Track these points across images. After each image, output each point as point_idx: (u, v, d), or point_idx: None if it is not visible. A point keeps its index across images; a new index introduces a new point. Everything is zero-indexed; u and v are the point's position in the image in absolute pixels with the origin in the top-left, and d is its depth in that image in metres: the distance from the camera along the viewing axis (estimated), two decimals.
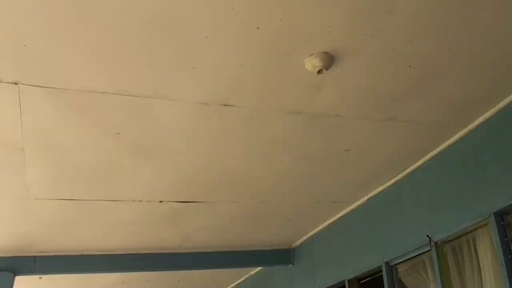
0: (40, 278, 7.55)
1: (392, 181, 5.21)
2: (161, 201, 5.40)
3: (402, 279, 5.08)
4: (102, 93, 3.47)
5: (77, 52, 3.08)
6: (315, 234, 6.79)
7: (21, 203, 5.14)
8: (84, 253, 6.77)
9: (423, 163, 4.80)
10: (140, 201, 5.36)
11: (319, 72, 3.27)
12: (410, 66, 3.42)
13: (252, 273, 8.96)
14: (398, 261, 5.07)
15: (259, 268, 8.62)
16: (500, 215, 3.91)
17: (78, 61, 3.16)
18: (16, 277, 6.38)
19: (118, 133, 4.01)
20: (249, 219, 6.22)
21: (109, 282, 8.88)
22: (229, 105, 3.72)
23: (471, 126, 4.28)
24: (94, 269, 7.05)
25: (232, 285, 9.93)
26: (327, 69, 3.26)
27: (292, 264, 7.36)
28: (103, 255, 6.85)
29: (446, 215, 4.45)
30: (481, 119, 4.17)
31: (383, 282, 5.17)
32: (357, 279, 5.84)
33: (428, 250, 4.62)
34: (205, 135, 4.14)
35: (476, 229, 4.21)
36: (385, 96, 3.77)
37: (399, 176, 5.11)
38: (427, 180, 4.75)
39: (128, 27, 2.89)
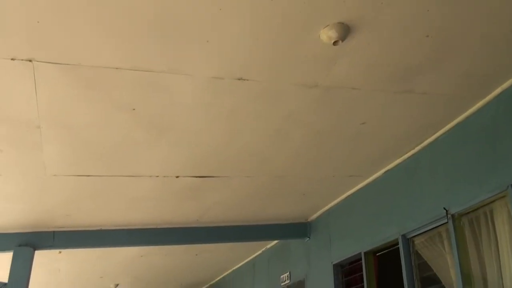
0: (60, 252, 7.70)
1: (409, 154, 5.16)
2: (177, 176, 5.42)
3: (418, 251, 5.08)
4: (116, 68, 3.46)
5: (90, 28, 3.07)
6: (331, 208, 6.79)
7: (39, 180, 5.20)
8: (103, 228, 6.87)
9: (440, 136, 4.75)
10: (157, 176, 5.39)
11: (334, 43, 3.22)
12: (427, 36, 3.35)
13: (268, 246, 9.03)
14: (414, 234, 5.06)
15: (275, 242, 8.68)
16: None
17: (91, 37, 3.15)
18: (36, 251, 6.51)
19: (133, 109, 4.02)
20: (265, 193, 6.23)
21: (128, 256, 9.03)
22: (243, 79, 3.69)
23: (489, 97, 4.20)
24: (112, 243, 7.16)
25: (249, 258, 10.03)
26: (343, 40, 3.21)
27: (308, 237, 7.40)
28: (121, 230, 6.95)
29: (463, 188, 4.41)
30: (499, 90, 4.09)
31: (399, 255, 5.17)
32: (374, 252, 5.85)
33: (445, 223, 4.60)
34: (220, 110, 4.12)
35: (493, 201, 4.17)
36: (401, 68, 3.71)
37: (416, 149, 5.06)
38: (444, 153, 4.70)
39: (140, 2, 2.86)
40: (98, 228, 6.87)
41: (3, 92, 3.68)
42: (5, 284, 6.45)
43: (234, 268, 10.98)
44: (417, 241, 5.10)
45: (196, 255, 9.54)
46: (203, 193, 6.00)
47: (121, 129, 4.34)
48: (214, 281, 12.49)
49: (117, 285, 11.40)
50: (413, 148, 5.09)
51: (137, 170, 5.23)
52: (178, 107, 4.04)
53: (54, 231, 6.68)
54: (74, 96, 3.78)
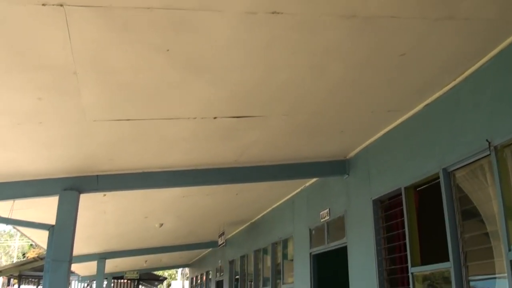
0: (105, 195, 7.95)
1: (450, 85, 5.01)
2: (215, 117, 5.43)
3: (459, 185, 5.02)
4: (148, 8, 3.40)
5: None
6: (370, 144, 6.74)
7: (80, 125, 5.30)
8: (145, 170, 7.02)
9: (483, 64, 4.56)
10: (195, 118, 5.41)
11: None
12: None
13: (307, 184, 9.10)
14: (456, 167, 4.98)
15: (314, 180, 8.73)
16: None
17: None
18: (82, 194, 6.74)
19: (167, 50, 3.98)
20: (302, 131, 6.20)
21: (170, 196, 9.27)
22: (277, 12, 3.57)
23: None
24: (154, 185, 7.33)
25: (288, 196, 10.15)
26: None
27: (347, 174, 7.39)
28: (162, 172, 7.09)
29: (506, 118, 4.28)
30: None
31: (440, 189, 5.13)
32: (414, 187, 5.81)
33: (488, 155, 4.51)
34: (255, 46, 4.04)
35: None
36: None
37: (457, 80, 4.90)
38: (487, 82, 4.54)
39: None
40: (140, 170, 7.02)
41: (37, 39, 3.70)
42: (52, 226, 6.74)
43: (274, 206, 11.16)
44: (458, 174, 5.03)
45: (236, 194, 9.71)
46: (241, 133, 6.02)
47: (156, 71, 4.33)
48: (254, 219, 12.76)
49: (162, 224, 11.79)
50: (454, 79, 4.92)
51: (175, 113, 5.26)
52: (212, 45, 3.98)
53: (97, 175, 6.88)
54: (108, 39, 3.76)
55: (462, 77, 4.83)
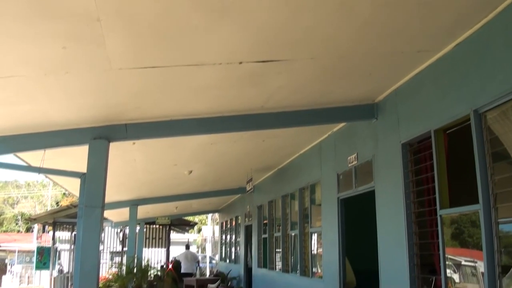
0: (134, 143, 8.06)
1: (482, 22, 4.81)
2: (240, 62, 5.37)
3: (490, 127, 4.91)
4: None
5: None
6: (399, 86, 6.60)
7: (106, 74, 5.31)
8: (172, 118, 7.06)
9: None
10: (220, 64, 5.36)
11: None
12: None
13: (334, 129, 9.04)
14: (487, 108, 4.86)
15: (342, 124, 8.66)
16: None
17: None
18: (112, 143, 6.84)
19: None
20: (329, 75, 6.11)
21: (198, 144, 9.35)
22: None
23: None
24: (182, 132, 7.40)
25: (316, 142, 10.13)
26: None
27: (376, 118, 7.30)
28: (189, 119, 7.13)
29: None
30: None
31: (470, 131, 5.03)
32: (444, 129, 5.72)
33: None
34: None
35: None
36: None
37: (490, 16, 4.70)
38: None
39: None
40: (168, 118, 7.07)
41: None
42: (84, 174, 6.90)
43: (301, 152, 11.16)
44: (489, 116, 4.91)
45: (263, 141, 9.73)
46: (267, 78, 5.95)
47: (180, 15, 4.27)
48: (282, 165, 12.82)
49: (191, 171, 11.94)
50: (487, 15, 4.71)
51: (200, 59, 5.22)
52: None
53: (126, 124, 6.95)
54: None
55: (494, 12, 4.62)
